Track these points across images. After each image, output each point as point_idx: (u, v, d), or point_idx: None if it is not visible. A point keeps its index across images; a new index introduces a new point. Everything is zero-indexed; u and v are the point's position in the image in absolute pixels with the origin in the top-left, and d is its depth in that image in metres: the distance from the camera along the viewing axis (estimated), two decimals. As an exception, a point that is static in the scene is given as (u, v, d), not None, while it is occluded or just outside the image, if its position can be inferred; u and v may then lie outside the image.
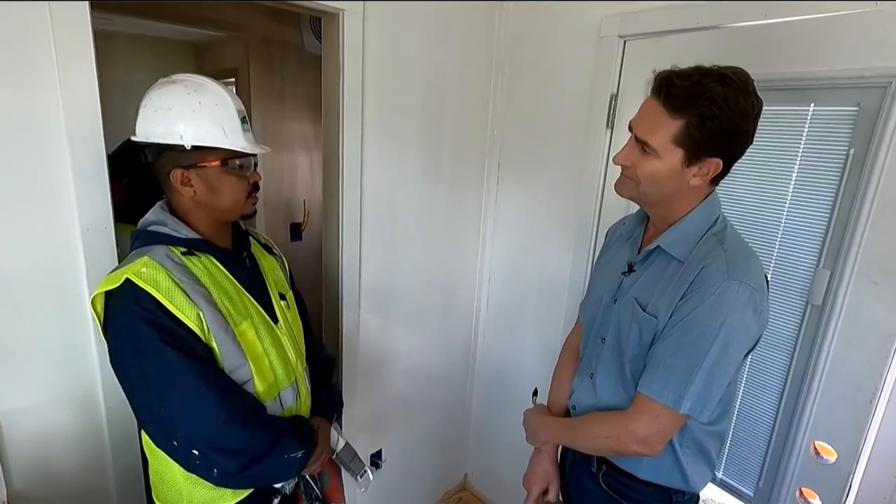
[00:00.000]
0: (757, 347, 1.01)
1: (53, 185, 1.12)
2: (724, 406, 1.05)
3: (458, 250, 2.17)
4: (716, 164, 0.92)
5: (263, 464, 1.01)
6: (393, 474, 2.18)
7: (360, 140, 1.66)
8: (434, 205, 2.00)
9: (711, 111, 0.86)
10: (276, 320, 1.14)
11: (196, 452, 0.97)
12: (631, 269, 1.09)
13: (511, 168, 2.15)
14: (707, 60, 0.92)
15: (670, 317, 0.95)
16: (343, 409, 1.38)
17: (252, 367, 1.04)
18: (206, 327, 0.97)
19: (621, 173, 1.02)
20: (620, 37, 1.66)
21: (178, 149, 0.97)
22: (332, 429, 1.28)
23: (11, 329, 1.12)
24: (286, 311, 1.19)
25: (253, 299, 1.09)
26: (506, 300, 2.28)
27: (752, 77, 0.90)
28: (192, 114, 0.97)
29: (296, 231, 2.80)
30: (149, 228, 1.03)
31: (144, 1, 2.02)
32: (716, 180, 0.98)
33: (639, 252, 1.09)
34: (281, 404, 1.12)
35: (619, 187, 1.04)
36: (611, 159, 1.52)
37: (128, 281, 0.93)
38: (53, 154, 1.11)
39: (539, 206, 2.06)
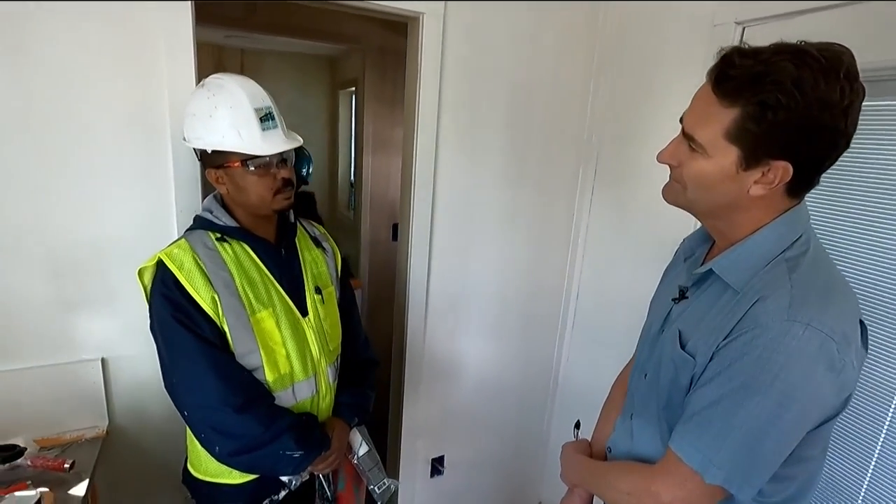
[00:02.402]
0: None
1: (159, 173, 1.33)
2: (799, 488, 0.80)
3: (543, 260, 2.03)
4: (783, 169, 0.70)
5: (257, 454, 1.04)
6: (456, 485, 2.13)
7: (435, 140, 1.66)
8: (516, 210, 1.91)
9: (776, 98, 0.66)
10: (304, 313, 1.16)
11: (199, 427, 1.04)
12: (682, 294, 0.90)
13: (609, 177, 1.95)
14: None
15: (711, 359, 0.75)
16: (367, 417, 1.32)
17: (263, 355, 1.07)
18: (220, 310, 1.03)
19: (670, 175, 0.85)
20: (738, 23, 1.39)
21: (206, 152, 1.05)
22: (354, 432, 1.27)
23: (123, 287, 1.35)
24: (320, 305, 1.20)
25: (282, 289, 1.13)
26: (595, 319, 2.07)
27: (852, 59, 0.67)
28: (209, 119, 1.02)
29: (397, 231, 2.91)
30: (200, 213, 1.14)
31: (274, 23, 2.30)
32: (794, 191, 0.75)
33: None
34: (294, 397, 1.14)
35: (666, 192, 0.86)
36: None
37: (160, 259, 1.04)
38: (160, 147, 1.32)
39: (637, 219, 1.83)
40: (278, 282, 1.13)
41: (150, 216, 1.35)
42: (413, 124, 1.64)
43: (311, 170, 2.44)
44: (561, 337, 2.17)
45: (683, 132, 0.79)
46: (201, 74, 1.22)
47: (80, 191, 1.27)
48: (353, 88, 2.79)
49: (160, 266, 1.04)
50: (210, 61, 3.00)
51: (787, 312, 0.68)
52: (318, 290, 1.20)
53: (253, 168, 1.04)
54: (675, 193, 0.83)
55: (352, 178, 3.17)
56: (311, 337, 1.16)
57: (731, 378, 0.71)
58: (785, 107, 0.66)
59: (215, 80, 1.06)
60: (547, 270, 2.06)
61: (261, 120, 1.02)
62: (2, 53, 1.14)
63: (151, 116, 1.30)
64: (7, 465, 1.18)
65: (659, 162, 0.84)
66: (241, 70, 3.06)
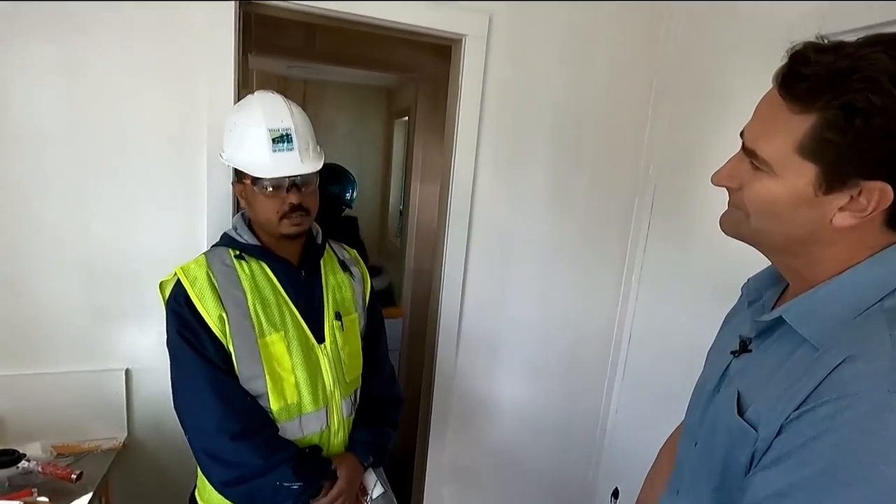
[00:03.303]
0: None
1: (194, 188, 1.35)
2: None
3: (591, 299, 1.86)
4: (879, 191, 0.54)
5: (252, 484, 0.97)
6: (484, 541, 1.93)
7: (474, 166, 1.58)
8: (561, 242, 1.77)
9: (866, 99, 0.51)
10: (321, 339, 1.09)
11: (196, 452, 0.99)
12: (744, 347, 0.73)
13: (668, 209, 1.77)
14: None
15: (778, 433, 0.58)
16: (385, 459, 1.22)
17: (268, 381, 1.01)
18: (227, 330, 0.99)
19: (728, 201, 0.70)
20: (820, 38, 1.21)
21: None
22: (369, 473, 1.16)
23: (152, 299, 1.35)
24: (338, 332, 1.12)
25: (297, 313, 1.07)
26: (650, 368, 1.85)
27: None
28: (229, 134, 1.05)
29: (443, 261, 2.84)
30: (227, 230, 1.13)
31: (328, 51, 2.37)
32: (894, 220, 0.58)
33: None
34: (301, 429, 1.06)
35: (725, 221, 0.71)
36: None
37: (176, 274, 1.03)
38: (196, 163, 1.34)
39: (701, 257, 1.63)
40: (294, 304, 1.07)
41: (184, 231, 1.36)
42: (451, 149, 1.57)
43: (354, 194, 2.45)
44: (610, 385, 1.95)
45: (744, 147, 0.65)
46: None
47: (119, 203, 1.30)
48: (407, 118, 2.81)
49: (176, 280, 1.03)
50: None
51: (888, 380, 0.50)
52: (338, 317, 1.13)
53: (259, 189, 1.02)
54: (735, 223, 0.68)
55: (401, 206, 3.16)
56: (325, 366, 1.09)
57: (807, 462, 0.54)
58: (880, 110, 0.51)
59: (249, 96, 1.07)
60: (595, 311, 1.87)
61: (273, 141, 1.00)
62: (59, 68, 1.21)
63: (190, 134, 1.32)
64: (20, 468, 1.18)
65: (714, 184, 0.69)
66: (304, 100, 3.19)
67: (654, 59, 1.72)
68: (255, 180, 1.01)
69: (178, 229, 1.36)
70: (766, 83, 1.47)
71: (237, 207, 1.41)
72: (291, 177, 1.01)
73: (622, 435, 1.95)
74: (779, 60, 1.34)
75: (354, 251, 1.31)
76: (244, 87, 1.44)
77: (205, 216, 1.36)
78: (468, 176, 1.59)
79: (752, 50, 1.45)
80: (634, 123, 1.76)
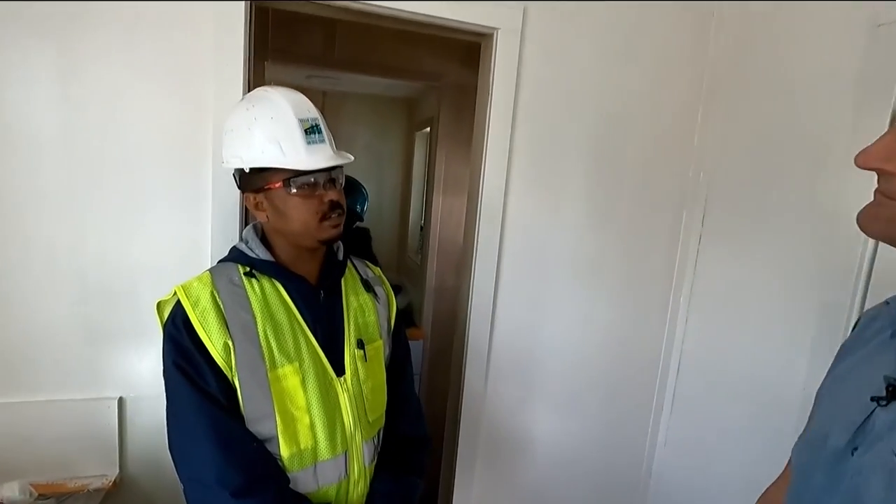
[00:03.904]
0: None
1: (198, 199, 1.22)
2: None
3: (634, 322, 1.67)
4: None
5: None
6: None
7: (506, 173, 1.43)
8: (601, 260, 1.59)
9: None
10: (340, 372, 0.94)
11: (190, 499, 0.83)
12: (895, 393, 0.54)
13: (721, 222, 1.58)
14: None
15: None
16: None
17: (279, 422, 0.86)
18: (233, 360, 0.84)
19: (876, 192, 0.53)
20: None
21: (244, 172, 0.90)
22: None
23: (151, 319, 1.21)
24: (360, 363, 0.96)
25: (314, 340, 0.92)
26: (702, 399, 1.64)
27: None
28: (247, 133, 0.88)
29: (466, 279, 2.68)
30: (237, 244, 0.98)
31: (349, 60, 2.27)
32: None
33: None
34: (316, 480, 0.90)
35: (871, 217, 0.53)
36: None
37: (176, 293, 0.88)
38: (200, 167, 1.21)
39: (761, 277, 1.44)
40: (311, 330, 0.92)
41: (187, 245, 1.23)
42: (480, 156, 1.42)
43: (366, 207, 2.32)
44: (656, 418, 1.74)
45: None
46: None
47: (117, 214, 1.18)
48: (429, 129, 2.69)
49: (176, 301, 0.88)
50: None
51: None
52: (360, 345, 0.97)
53: (295, 189, 0.87)
54: (884, 217, 0.51)
55: (422, 221, 3.02)
56: (345, 403, 0.93)
57: None
58: None
59: (257, 91, 0.93)
60: (639, 335, 1.68)
61: (305, 132, 0.87)
62: (53, 69, 1.10)
63: (194, 142, 1.20)
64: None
65: (861, 167, 0.52)
66: (322, 112, 3.09)
67: (705, 54, 1.56)
68: (287, 182, 0.87)
69: (180, 243, 1.23)
70: (838, 78, 1.25)
71: (245, 219, 1.28)
72: (328, 169, 0.89)
73: (671, 475, 1.74)
74: (862, 49, 1.16)
75: (378, 269, 1.15)
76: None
77: (209, 229, 1.23)
78: (499, 186, 1.43)
79: (826, 40, 1.28)
80: (682, 127, 1.59)
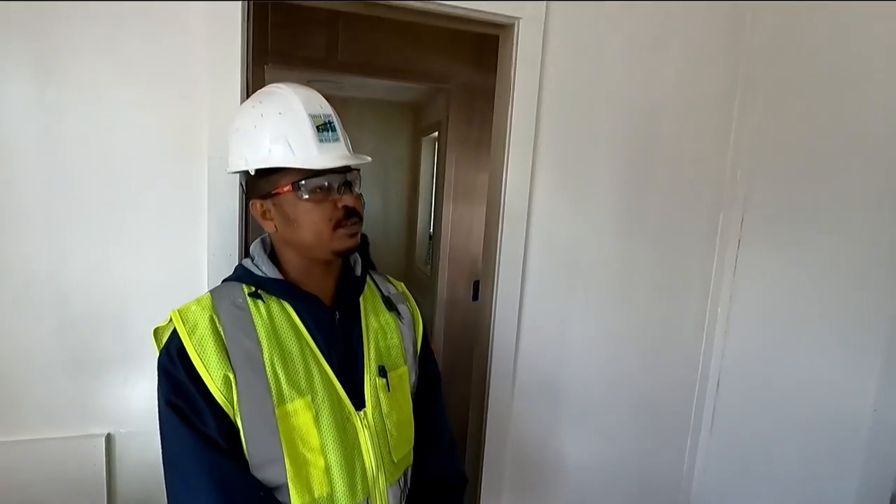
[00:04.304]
0: None
1: (192, 210, 1.10)
2: None
3: (670, 335, 1.54)
4: None
5: None
6: None
7: (530, 175, 1.31)
8: (632, 267, 1.46)
9: None
10: (360, 405, 0.82)
11: None
12: None
13: (763, 224, 1.46)
14: None
15: None
16: None
17: (289, 467, 0.74)
18: (234, 396, 0.73)
19: None
20: None
21: (250, 176, 0.81)
22: None
23: (141, 347, 1.10)
24: (383, 393, 0.84)
25: (329, 370, 0.80)
26: (745, 420, 1.51)
27: None
28: (253, 131, 0.79)
29: (478, 290, 2.55)
30: (242, 261, 0.87)
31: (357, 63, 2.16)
32: None
33: None
34: None
35: None
36: None
37: (172, 318, 0.77)
38: (194, 175, 1.09)
39: (812, 284, 1.31)
40: (326, 358, 0.80)
41: (181, 263, 1.11)
42: (502, 157, 1.30)
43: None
44: (694, 440, 1.60)
45: None
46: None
47: (102, 229, 1.06)
48: (436, 133, 2.58)
49: (172, 327, 0.77)
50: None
51: None
52: (382, 372, 0.85)
53: (306, 193, 0.77)
54: None
55: (431, 229, 2.90)
56: (365, 442, 0.80)
57: None
58: None
59: (266, 87, 0.84)
60: (674, 349, 1.55)
61: (317, 129, 0.77)
62: (30, 68, 0.99)
63: (188, 150, 1.09)
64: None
65: None
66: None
67: (740, 42, 1.44)
68: (297, 185, 0.77)
69: (174, 260, 1.11)
70: (891, 57, 1.05)
71: (246, 233, 1.16)
72: (343, 171, 0.79)
73: (710, 501, 1.60)
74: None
75: (402, 284, 1.02)
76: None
77: (206, 244, 1.11)
78: (523, 190, 1.31)
79: (880, 25, 1.16)
80: (717, 123, 1.47)
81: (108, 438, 1.11)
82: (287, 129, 0.77)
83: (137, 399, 1.11)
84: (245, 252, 1.17)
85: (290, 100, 0.78)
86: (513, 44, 1.25)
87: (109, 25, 1.02)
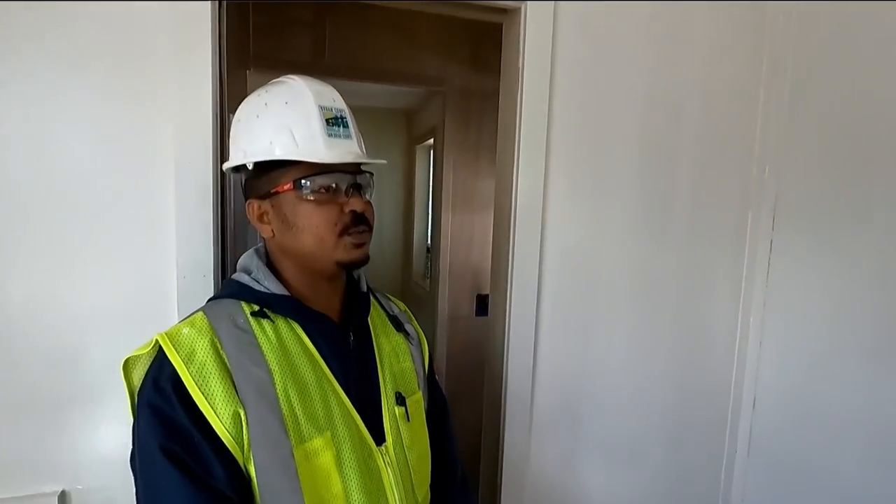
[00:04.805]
0: None
1: (154, 220, 0.95)
2: None
3: (698, 347, 1.39)
4: None
5: None
6: None
7: (543, 176, 1.17)
8: (656, 276, 1.32)
9: None
10: (380, 439, 0.71)
11: None
12: None
13: (797, 225, 1.33)
14: None
15: None
16: None
17: None
18: (244, 437, 0.60)
19: None
20: None
21: (248, 173, 0.72)
22: None
23: (99, 385, 0.93)
24: (402, 424, 0.75)
25: (348, 400, 0.70)
26: (788, 445, 1.36)
27: None
28: (255, 121, 0.70)
29: (482, 304, 2.40)
30: (234, 276, 0.75)
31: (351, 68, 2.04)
32: None
33: None
34: None
35: None
36: None
37: (156, 344, 0.64)
38: (158, 182, 0.94)
39: (859, 288, 1.18)
40: (343, 386, 0.70)
41: (144, 285, 0.95)
42: (511, 158, 1.16)
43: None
44: (729, 465, 1.45)
45: None
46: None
47: (50, 249, 0.90)
48: (432, 140, 2.45)
49: (156, 356, 0.64)
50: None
51: None
52: (400, 400, 0.76)
53: (310, 192, 0.68)
54: None
55: (428, 242, 2.76)
56: (389, 481, 0.71)
57: None
58: None
59: (276, 78, 0.74)
60: (704, 364, 1.40)
61: (327, 122, 0.68)
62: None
63: (151, 159, 0.94)
64: None
65: None
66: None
67: (764, 29, 1.32)
68: (299, 183, 0.67)
69: (136, 285, 0.95)
70: None
71: (223, 249, 1.01)
72: (353, 172, 0.70)
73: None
74: None
75: (403, 304, 0.93)
76: (232, 107, 1.07)
77: (174, 263, 0.95)
78: (536, 194, 1.17)
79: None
80: (742, 115, 1.34)
81: (63, 497, 0.94)
82: (293, 119, 0.68)
83: (97, 449, 0.94)
84: (225, 270, 1.03)
85: (300, 90, 0.69)
86: (519, 31, 1.12)
87: (63, 17, 0.87)
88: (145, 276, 0.95)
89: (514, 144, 1.15)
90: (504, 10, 1.14)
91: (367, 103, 2.92)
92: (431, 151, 2.68)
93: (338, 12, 1.94)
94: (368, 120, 3.09)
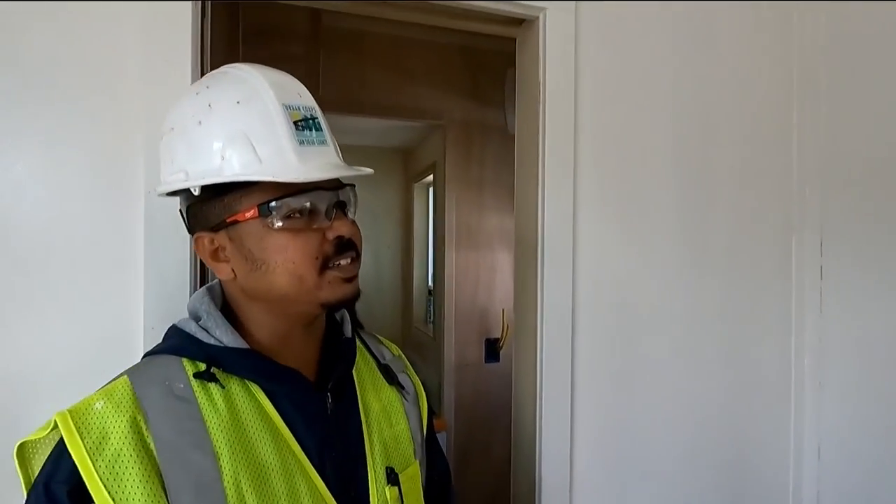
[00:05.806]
0: None
1: (119, 260, 0.79)
2: None
3: (751, 394, 1.22)
4: None
5: None
6: None
7: (573, 198, 1.03)
8: (701, 308, 1.17)
9: None
10: None
11: None
12: None
13: (850, 247, 1.21)
14: None
15: None
16: None
17: None
18: None
19: None
20: None
21: (193, 198, 0.55)
22: None
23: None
24: None
25: (323, 486, 0.54)
26: (861, 493, 1.17)
27: None
28: (196, 129, 0.53)
29: (492, 349, 2.21)
30: (179, 323, 0.58)
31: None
32: None
33: None
34: None
35: None
36: None
37: (55, 427, 0.47)
38: (124, 216, 0.79)
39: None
40: (317, 467, 0.55)
41: (105, 338, 0.79)
42: (535, 185, 1.03)
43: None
44: (797, 528, 1.25)
45: None
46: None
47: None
48: (431, 177, 2.35)
49: (58, 444, 0.48)
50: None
51: None
52: (392, 478, 0.60)
53: (280, 220, 0.52)
54: None
55: (430, 283, 2.60)
56: None
57: None
58: None
59: (217, 70, 0.57)
60: (759, 411, 1.23)
61: (295, 125, 0.53)
62: None
63: (116, 182, 0.79)
64: None
65: None
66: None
67: (791, 35, 1.23)
68: (265, 208, 0.52)
69: (95, 338, 0.78)
70: None
71: (198, 282, 0.85)
72: (333, 188, 0.55)
73: None
74: None
75: (396, 347, 0.76)
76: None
77: (141, 314, 0.78)
78: (565, 223, 1.03)
79: None
80: (776, 129, 1.24)
81: None
82: (249, 124, 0.52)
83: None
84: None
85: (255, 84, 0.53)
86: (538, 40, 1.01)
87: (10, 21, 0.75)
88: (107, 328, 0.78)
89: (536, 168, 1.02)
90: (520, 21, 1.04)
91: (361, 142, 2.83)
92: (431, 188, 2.57)
93: (331, 44, 1.86)
94: (364, 160, 2.99)
